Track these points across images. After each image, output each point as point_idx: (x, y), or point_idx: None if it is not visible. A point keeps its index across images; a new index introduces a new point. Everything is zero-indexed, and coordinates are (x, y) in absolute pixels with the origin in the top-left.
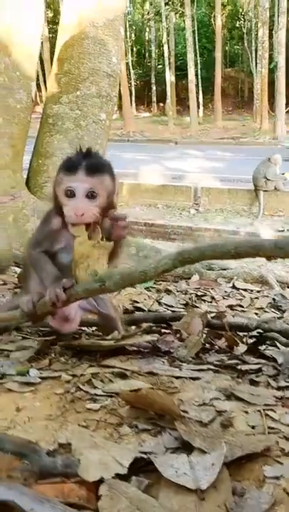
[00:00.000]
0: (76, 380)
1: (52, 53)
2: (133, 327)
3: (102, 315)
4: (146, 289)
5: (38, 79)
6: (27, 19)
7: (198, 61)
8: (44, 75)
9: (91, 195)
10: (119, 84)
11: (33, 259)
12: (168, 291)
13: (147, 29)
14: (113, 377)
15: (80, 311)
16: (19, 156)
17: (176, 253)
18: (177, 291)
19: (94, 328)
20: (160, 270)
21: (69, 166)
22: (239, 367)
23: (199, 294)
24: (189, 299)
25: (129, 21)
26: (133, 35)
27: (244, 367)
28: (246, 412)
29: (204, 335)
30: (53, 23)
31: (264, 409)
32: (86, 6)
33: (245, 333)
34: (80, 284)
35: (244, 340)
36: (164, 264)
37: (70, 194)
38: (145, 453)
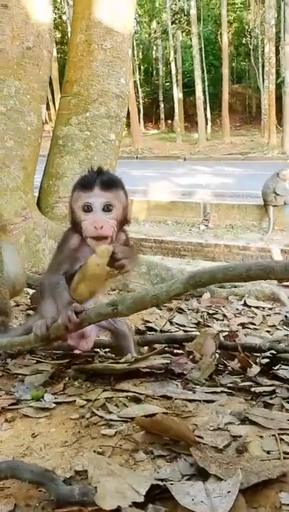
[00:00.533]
0: (90, 404)
1: (60, 73)
2: (146, 348)
3: (117, 332)
4: (158, 307)
5: (46, 98)
6: (37, 44)
7: (206, 78)
8: (53, 93)
9: (107, 209)
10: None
11: (52, 284)
12: (180, 310)
13: (154, 47)
14: (127, 401)
15: (96, 328)
16: (30, 178)
17: (188, 277)
18: (189, 310)
19: (107, 350)
20: (172, 294)
21: (84, 183)
22: (253, 389)
23: (211, 312)
24: (201, 317)
25: (136, 40)
26: (140, 53)
27: (258, 389)
28: (261, 437)
29: (217, 356)
30: (61, 43)
31: (279, 434)
32: (95, 29)
33: (258, 354)
34: (93, 308)
35: (257, 361)
36: (176, 288)
37: (88, 209)
38: (161, 480)
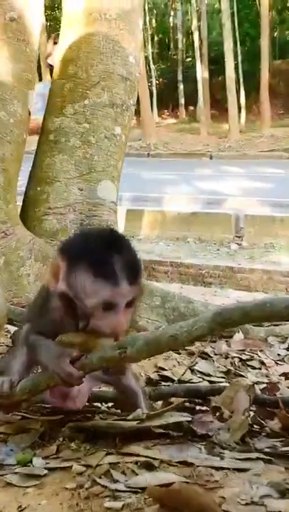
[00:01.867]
0: (91, 471)
1: None
2: (159, 403)
3: (119, 386)
4: (176, 351)
5: (34, 81)
6: (23, 14)
7: (239, 52)
8: (40, 74)
9: (130, 304)
10: None
11: (32, 345)
12: (204, 355)
13: (172, 13)
14: (137, 468)
15: (90, 382)
16: (12, 183)
17: (214, 314)
18: (215, 355)
19: (110, 404)
20: (194, 335)
21: (106, 272)
22: None
23: (244, 358)
24: (231, 364)
25: (148, 4)
26: (154, 21)
27: None
28: None
29: (252, 413)
30: (51, 8)
31: None
32: None
33: None
34: (94, 352)
35: None
36: (199, 328)
37: (109, 307)
38: None
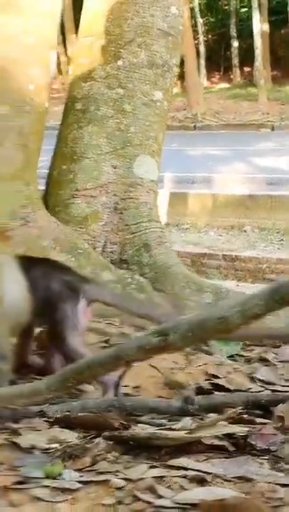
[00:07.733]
0: (132, 486)
1: (75, 1)
2: (212, 415)
3: None
4: (231, 357)
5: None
6: None
7: None
8: (63, 33)
9: None
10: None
11: None
12: (264, 362)
13: None
14: (187, 482)
15: None
16: (33, 160)
17: (271, 290)
18: (280, 362)
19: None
20: (249, 315)
21: None
22: None
23: None
24: None
25: None
26: None
27: None
28: None
29: None
30: None
31: None
32: None
33: None
34: (130, 341)
35: None
36: (254, 306)
37: None
38: None
